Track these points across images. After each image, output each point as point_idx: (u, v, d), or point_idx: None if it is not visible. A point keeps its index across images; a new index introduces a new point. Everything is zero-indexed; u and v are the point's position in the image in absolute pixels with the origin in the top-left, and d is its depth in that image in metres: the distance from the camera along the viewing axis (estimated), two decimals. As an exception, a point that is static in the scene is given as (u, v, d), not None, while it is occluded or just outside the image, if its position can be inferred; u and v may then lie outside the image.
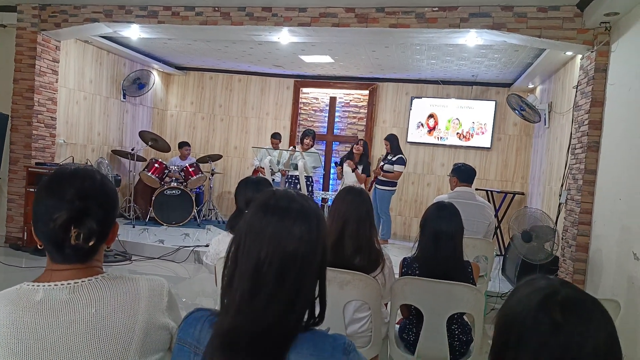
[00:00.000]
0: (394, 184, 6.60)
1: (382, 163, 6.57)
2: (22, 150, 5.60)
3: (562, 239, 4.41)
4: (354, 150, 6.58)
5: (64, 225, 1.04)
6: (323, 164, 7.77)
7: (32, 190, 5.33)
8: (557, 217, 4.77)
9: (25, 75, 5.56)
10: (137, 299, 1.10)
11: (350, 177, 6.50)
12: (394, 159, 6.47)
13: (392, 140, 6.59)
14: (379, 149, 7.50)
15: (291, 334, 0.93)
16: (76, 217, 1.05)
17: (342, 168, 6.61)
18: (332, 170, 7.89)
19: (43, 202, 1.07)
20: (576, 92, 4.54)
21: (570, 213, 4.37)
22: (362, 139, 6.91)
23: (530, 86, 6.97)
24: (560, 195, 4.80)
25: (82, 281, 1.08)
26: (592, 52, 4.19)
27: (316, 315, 0.99)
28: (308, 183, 6.45)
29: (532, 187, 6.85)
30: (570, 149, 4.60)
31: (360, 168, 6.49)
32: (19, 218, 5.60)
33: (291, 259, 0.93)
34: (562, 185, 4.81)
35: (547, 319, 0.84)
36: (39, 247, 1.10)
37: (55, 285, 1.06)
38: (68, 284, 1.06)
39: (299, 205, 0.98)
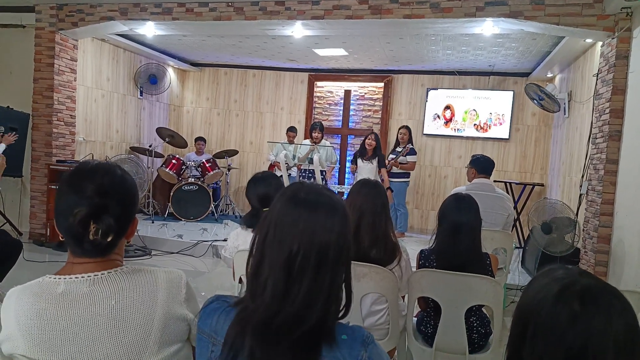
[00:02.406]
0: (408, 175, 6.59)
1: (393, 156, 6.53)
2: (43, 148, 5.72)
3: (583, 230, 4.33)
4: (366, 145, 6.46)
5: (83, 221, 1.06)
6: (338, 157, 7.74)
7: (54, 187, 5.44)
8: (578, 208, 4.68)
9: (44, 75, 5.67)
10: (155, 291, 1.11)
11: (365, 172, 6.44)
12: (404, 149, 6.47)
13: (410, 132, 6.65)
14: (394, 141, 7.43)
15: (329, 327, 0.94)
16: (95, 213, 1.07)
17: (356, 166, 6.57)
18: (347, 165, 7.85)
19: (64, 196, 1.10)
20: (597, 80, 4.43)
21: (591, 204, 4.29)
22: (374, 132, 6.78)
23: (549, 75, 6.83)
24: (580, 186, 4.71)
25: (102, 274, 1.10)
26: (612, 38, 4.08)
27: (341, 308, 1.00)
28: (323, 177, 6.43)
29: (552, 178, 6.73)
30: (591, 139, 4.50)
31: (375, 161, 6.40)
32: (42, 215, 5.73)
33: (324, 252, 0.94)
34: (582, 176, 4.72)
35: (565, 309, 0.83)
36: (61, 239, 1.12)
37: (76, 277, 1.08)
38: (88, 276, 1.09)
39: (327, 198, 1.00)
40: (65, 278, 1.08)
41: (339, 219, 0.98)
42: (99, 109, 6.81)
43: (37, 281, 1.10)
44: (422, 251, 2.43)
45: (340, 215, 0.99)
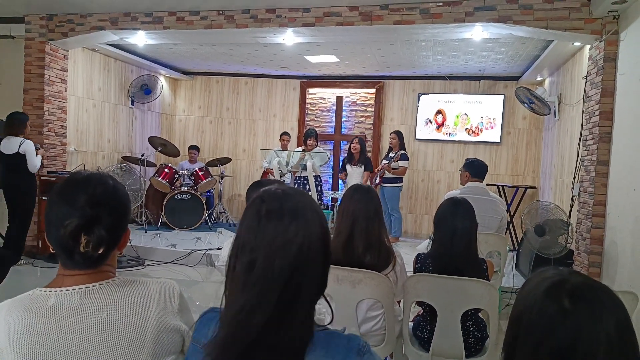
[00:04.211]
0: (401, 180, 6.62)
1: (386, 161, 6.55)
2: (34, 160, 5.66)
3: (576, 231, 4.36)
4: (352, 150, 6.54)
5: (74, 232, 1.04)
6: (332, 162, 7.77)
7: (45, 198, 5.39)
8: (570, 210, 4.71)
9: (34, 85, 5.63)
10: (148, 303, 1.10)
11: (354, 177, 6.50)
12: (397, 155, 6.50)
13: (401, 137, 6.66)
14: (387, 147, 7.46)
15: (305, 337, 0.89)
16: (86, 225, 1.05)
17: (345, 173, 6.62)
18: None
19: (55, 207, 1.08)
20: (586, 83, 4.48)
21: (583, 205, 4.32)
22: (357, 136, 6.84)
23: (539, 79, 6.89)
24: (572, 188, 4.74)
25: (93, 286, 1.08)
26: (600, 41, 4.13)
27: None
28: (317, 183, 6.44)
29: (544, 181, 6.78)
30: (581, 141, 4.54)
31: (363, 167, 6.49)
32: (33, 226, 5.65)
33: (289, 262, 0.88)
34: (574, 178, 4.75)
35: (554, 305, 0.83)
36: (52, 251, 1.11)
37: (67, 290, 1.07)
38: (79, 289, 1.07)
39: (292, 204, 0.93)
40: (55, 291, 1.07)
41: (305, 225, 0.90)
42: (91, 119, 6.77)
43: (27, 294, 1.08)
44: (418, 255, 2.43)
45: (307, 219, 0.91)
